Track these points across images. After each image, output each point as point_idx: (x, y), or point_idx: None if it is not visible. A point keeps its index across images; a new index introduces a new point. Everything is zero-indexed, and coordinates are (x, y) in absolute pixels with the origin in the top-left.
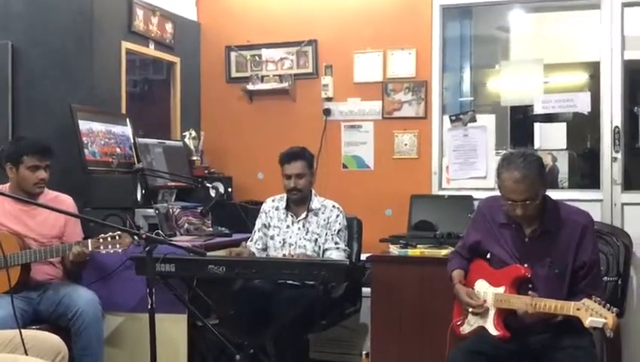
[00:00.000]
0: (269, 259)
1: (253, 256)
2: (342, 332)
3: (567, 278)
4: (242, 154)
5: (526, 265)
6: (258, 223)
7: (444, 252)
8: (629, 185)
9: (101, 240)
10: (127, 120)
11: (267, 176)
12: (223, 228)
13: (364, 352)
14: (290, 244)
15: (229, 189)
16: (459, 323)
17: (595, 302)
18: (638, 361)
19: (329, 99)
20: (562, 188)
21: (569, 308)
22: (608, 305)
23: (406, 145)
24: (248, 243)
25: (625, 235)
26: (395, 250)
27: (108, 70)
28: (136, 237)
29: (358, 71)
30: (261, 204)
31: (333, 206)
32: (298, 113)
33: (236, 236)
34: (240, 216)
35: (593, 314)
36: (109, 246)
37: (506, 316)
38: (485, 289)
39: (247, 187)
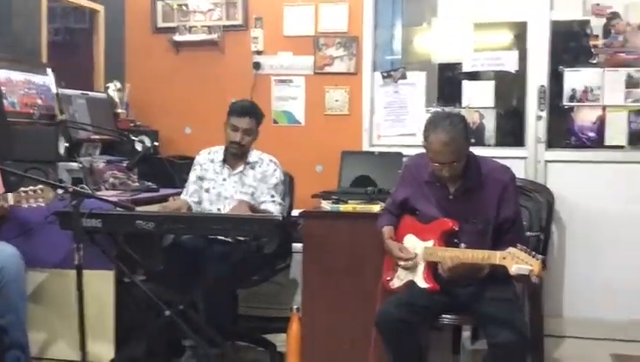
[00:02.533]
0: (198, 215)
1: (183, 212)
2: (272, 287)
3: (490, 233)
4: (169, 108)
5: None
6: (192, 176)
7: (376, 208)
8: (552, 143)
9: (23, 194)
10: (48, 70)
11: (195, 131)
12: (150, 183)
13: (294, 307)
14: (226, 198)
15: (156, 143)
16: (389, 278)
17: (520, 250)
18: (557, 314)
19: (259, 53)
20: (489, 145)
21: (495, 257)
22: (534, 252)
23: (337, 101)
24: (182, 196)
25: (547, 192)
26: (327, 205)
27: (28, 18)
28: (60, 191)
29: (289, 24)
30: (189, 159)
31: (270, 160)
32: (227, 66)
33: (163, 191)
34: (167, 170)
35: (519, 261)
36: (32, 201)
37: (435, 269)
38: (414, 244)
39: (174, 141)
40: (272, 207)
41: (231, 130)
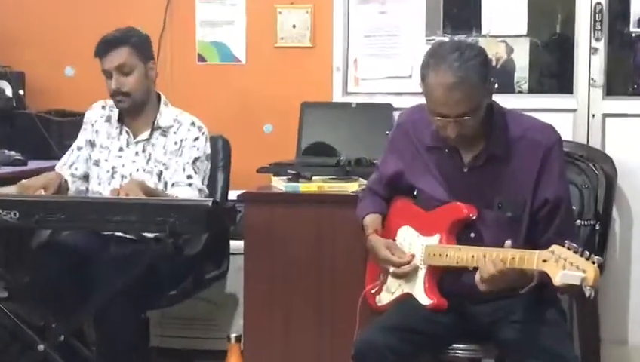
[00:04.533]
0: (86, 199)
1: (61, 196)
2: (200, 306)
3: (525, 224)
4: (41, 41)
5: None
6: (80, 138)
7: (354, 186)
8: (613, 88)
9: None
10: None
11: (80, 73)
12: (12, 153)
13: (232, 335)
14: (123, 176)
15: (21, 92)
16: (374, 290)
17: (568, 249)
18: (619, 340)
19: None
20: (520, 92)
21: (532, 259)
22: (587, 252)
23: (295, 26)
24: (59, 166)
25: (607, 160)
26: (280, 183)
27: None
28: None
29: None
30: (73, 115)
31: (193, 123)
32: None
33: (34, 164)
34: (39, 132)
35: (566, 265)
36: None
37: (441, 277)
38: (412, 240)
39: (50, 89)
40: (187, 193)
41: (106, 78)
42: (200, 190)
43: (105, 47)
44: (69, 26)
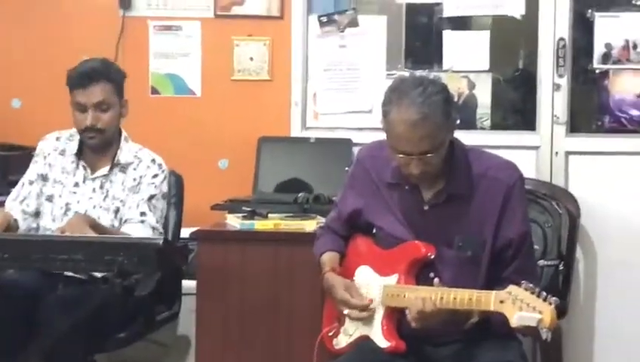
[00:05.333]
0: (31, 237)
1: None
2: (150, 349)
3: (485, 264)
4: None
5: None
6: (31, 172)
7: (312, 224)
8: (577, 125)
9: None
10: None
11: (29, 104)
12: None
13: None
14: (78, 213)
15: None
16: (331, 333)
17: (525, 290)
18: None
19: None
20: (482, 128)
21: (489, 300)
22: (544, 293)
23: (252, 59)
24: (9, 202)
25: (570, 199)
26: (235, 221)
27: None
28: None
29: None
30: (20, 149)
31: (153, 160)
32: (79, 4)
33: None
34: None
35: (523, 306)
36: None
37: (399, 318)
38: (370, 281)
39: None
40: (139, 231)
41: (78, 110)
42: (153, 228)
43: (84, 79)
44: (17, 57)
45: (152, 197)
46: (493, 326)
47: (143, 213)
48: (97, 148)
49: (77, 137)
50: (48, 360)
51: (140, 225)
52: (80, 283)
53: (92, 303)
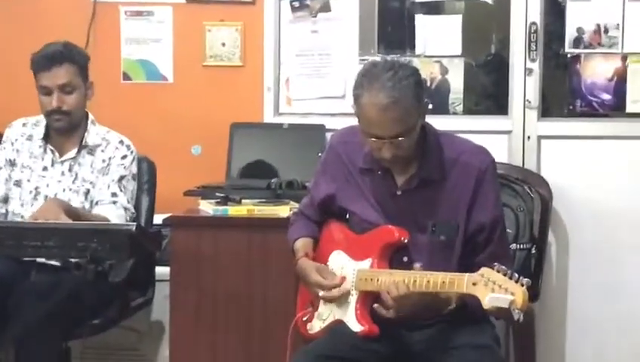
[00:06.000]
0: (4, 224)
1: None
2: (124, 335)
3: (458, 248)
4: None
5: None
6: None
7: (285, 210)
8: (548, 109)
9: None
10: None
11: None
12: None
13: None
14: (47, 196)
15: None
16: (305, 318)
17: (497, 272)
18: (555, 360)
19: None
20: (455, 113)
21: (462, 282)
22: (516, 275)
23: (224, 45)
24: None
25: (542, 183)
26: (208, 207)
27: None
28: None
29: None
30: None
31: (121, 142)
32: None
33: None
34: None
35: (495, 288)
36: None
37: (373, 303)
38: (344, 265)
39: None
40: (112, 212)
41: (43, 94)
42: (125, 208)
43: (47, 61)
44: None
45: (122, 178)
46: (470, 311)
47: (114, 194)
48: (64, 131)
49: (43, 123)
50: (22, 347)
51: (112, 205)
52: (53, 270)
53: (65, 290)
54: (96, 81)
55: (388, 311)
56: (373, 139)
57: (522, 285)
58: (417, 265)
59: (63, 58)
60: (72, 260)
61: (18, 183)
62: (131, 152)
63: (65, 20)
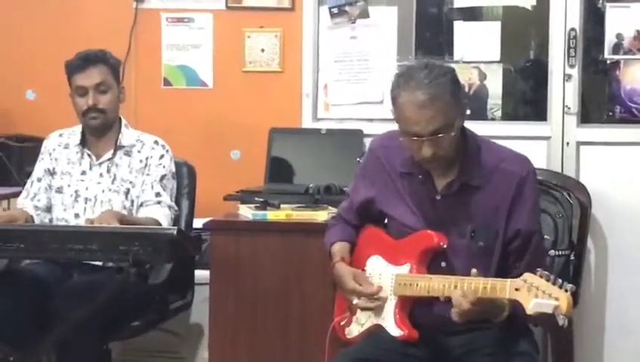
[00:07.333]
0: (45, 228)
1: (20, 224)
2: (163, 338)
3: (497, 254)
4: (2, 63)
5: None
6: (38, 169)
7: (323, 215)
8: (588, 115)
9: None
10: None
11: (42, 96)
12: None
13: None
14: (88, 199)
15: None
16: (343, 322)
17: (540, 277)
18: None
19: None
20: (493, 118)
21: (504, 288)
22: (560, 280)
23: (263, 51)
24: (21, 200)
25: (581, 189)
26: (247, 212)
27: None
28: None
29: None
30: (34, 140)
31: (156, 142)
32: None
33: None
34: None
35: (539, 294)
36: None
37: (412, 308)
38: (382, 270)
39: (9, 114)
40: (158, 212)
41: (78, 95)
42: (169, 206)
43: (82, 63)
44: (31, 49)
45: (162, 177)
46: (519, 318)
47: (158, 194)
48: (99, 131)
49: (79, 131)
50: (63, 350)
51: (158, 205)
52: (94, 270)
53: (106, 292)
54: (138, 86)
55: (457, 316)
56: (414, 138)
57: (566, 291)
58: (474, 271)
59: (97, 59)
60: (113, 265)
61: (59, 190)
62: (167, 151)
63: (107, 27)
